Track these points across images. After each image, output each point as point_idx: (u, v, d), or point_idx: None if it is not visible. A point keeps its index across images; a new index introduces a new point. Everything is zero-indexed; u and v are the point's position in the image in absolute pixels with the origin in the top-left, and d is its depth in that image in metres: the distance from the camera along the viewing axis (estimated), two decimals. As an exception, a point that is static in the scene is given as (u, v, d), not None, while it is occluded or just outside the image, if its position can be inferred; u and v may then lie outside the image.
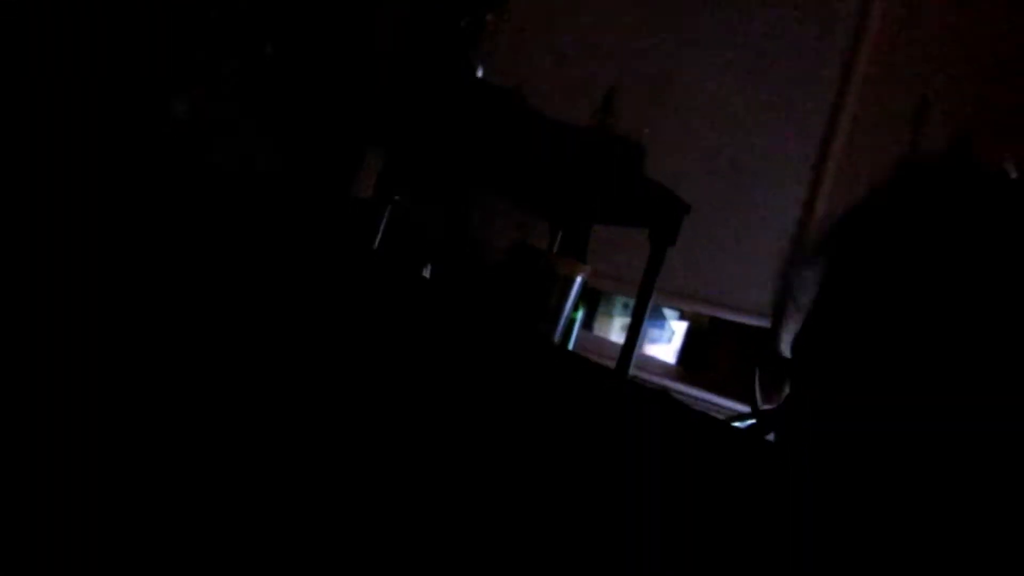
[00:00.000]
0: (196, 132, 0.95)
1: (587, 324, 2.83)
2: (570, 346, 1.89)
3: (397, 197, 1.51)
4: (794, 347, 0.75)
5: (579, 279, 1.69)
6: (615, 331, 3.04)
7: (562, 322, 1.69)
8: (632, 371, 1.83)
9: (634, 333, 1.75)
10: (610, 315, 3.09)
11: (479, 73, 1.58)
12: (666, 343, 2.99)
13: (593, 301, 2.97)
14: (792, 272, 0.81)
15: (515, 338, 0.62)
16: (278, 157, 1.27)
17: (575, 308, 1.78)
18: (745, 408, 2.28)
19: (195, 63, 0.97)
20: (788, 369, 0.81)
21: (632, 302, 2.78)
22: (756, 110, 2.50)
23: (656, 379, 2.58)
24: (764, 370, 1.38)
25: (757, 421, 1.37)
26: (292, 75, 1.25)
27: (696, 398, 2.39)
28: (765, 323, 2.43)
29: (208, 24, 0.98)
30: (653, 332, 2.94)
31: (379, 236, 1.53)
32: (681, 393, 2.46)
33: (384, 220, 1.54)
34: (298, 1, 1.18)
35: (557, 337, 1.70)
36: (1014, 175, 0.68)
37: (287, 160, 1.28)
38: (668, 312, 2.95)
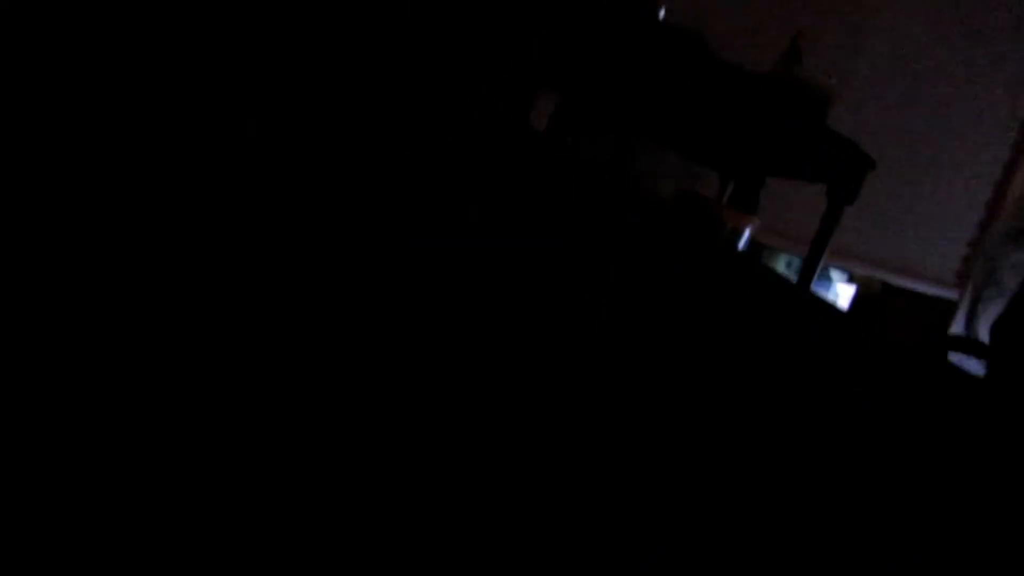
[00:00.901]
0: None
1: (748, 280, 2.74)
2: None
3: (569, 138, 1.51)
4: (995, 332, 0.71)
5: (748, 231, 1.63)
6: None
7: (726, 275, 1.65)
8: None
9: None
10: (772, 272, 2.97)
11: (661, 15, 1.54)
12: (831, 306, 2.85)
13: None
14: (997, 251, 0.75)
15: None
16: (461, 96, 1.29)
17: (740, 262, 1.73)
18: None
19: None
20: (984, 354, 0.76)
21: (796, 260, 2.68)
22: (960, 64, 2.30)
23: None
24: (955, 351, 1.30)
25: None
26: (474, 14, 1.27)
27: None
28: (945, 293, 2.27)
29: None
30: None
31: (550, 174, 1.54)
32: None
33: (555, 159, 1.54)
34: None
35: (719, 290, 1.66)
36: None
37: (465, 98, 1.30)
38: (835, 274, 2.81)
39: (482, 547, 0.62)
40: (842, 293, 2.85)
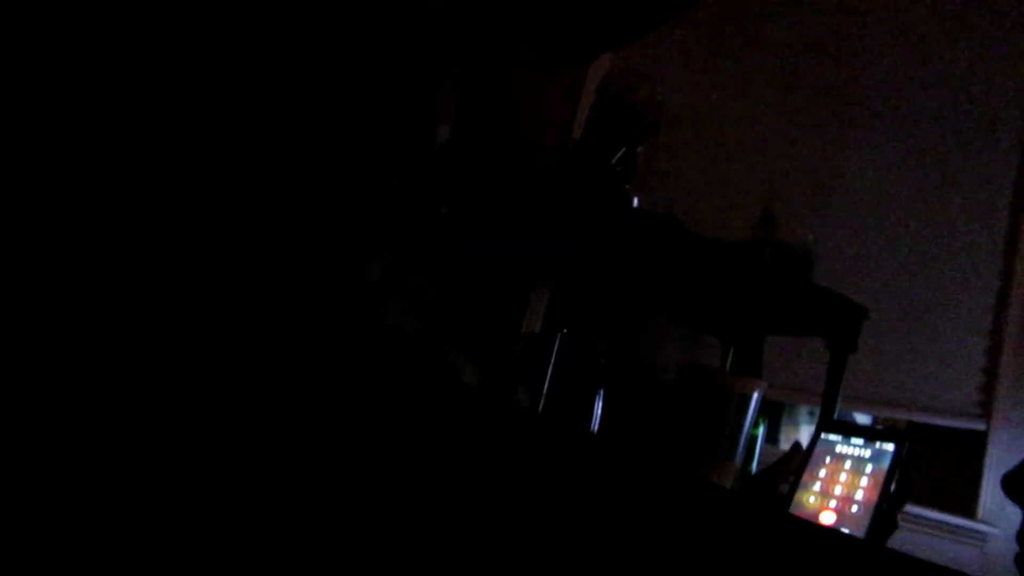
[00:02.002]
0: (383, 293, 1.02)
1: (771, 437, 2.71)
2: (754, 464, 1.83)
3: (565, 330, 1.56)
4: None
5: (756, 395, 1.65)
6: (803, 441, 2.89)
7: (743, 441, 1.65)
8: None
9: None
10: (796, 424, 2.96)
11: (635, 203, 1.64)
12: (861, 452, 2.79)
13: (775, 412, 2.85)
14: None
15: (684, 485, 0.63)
16: (450, 306, 1.36)
17: (755, 424, 1.73)
18: (958, 521, 2.08)
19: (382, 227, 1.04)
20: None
21: (817, 409, 2.66)
22: (931, 200, 2.40)
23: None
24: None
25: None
26: (462, 229, 1.35)
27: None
28: (970, 425, 2.24)
29: (388, 190, 1.07)
30: (846, 440, 2.76)
31: (550, 368, 1.58)
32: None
33: (554, 352, 1.59)
34: (467, 165, 1.28)
35: (739, 456, 1.65)
36: None
37: (458, 307, 1.37)
38: (860, 418, 2.78)
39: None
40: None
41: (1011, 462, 1.88)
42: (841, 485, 1.13)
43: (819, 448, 1.24)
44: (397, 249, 1.06)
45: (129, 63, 0.77)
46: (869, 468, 1.12)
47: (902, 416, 2.41)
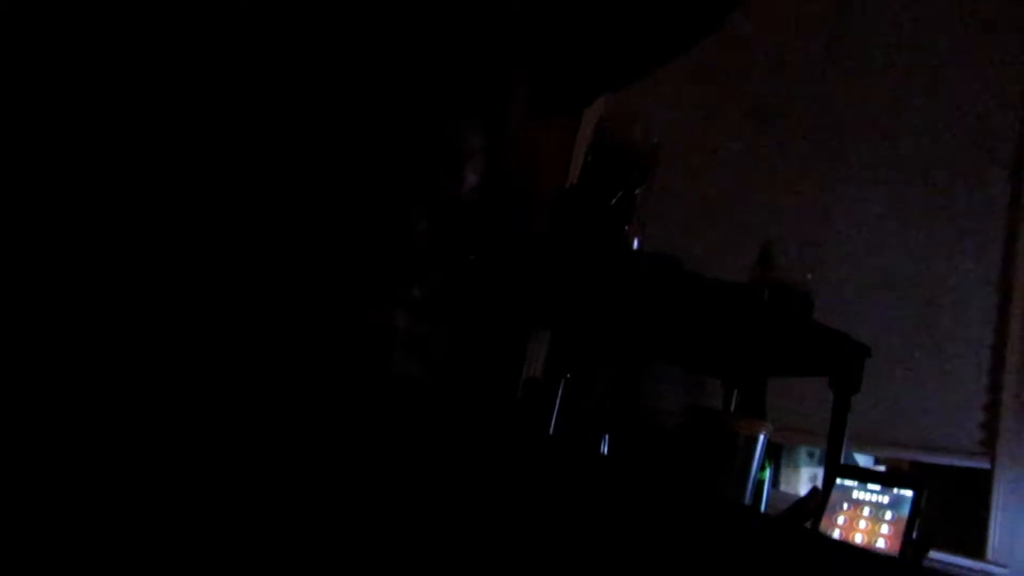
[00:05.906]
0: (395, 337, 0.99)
1: (772, 480, 2.68)
2: (762, 508, 1.80)
3: (568, 374, 1.54)
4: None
5: (762, 437, 1.63)
6: (804, 483, 2.86)
7: (750, 484, 1.62)
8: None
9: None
10: (795, 466, 2.92)
11: (635, 246, 1.63)
12: (863, 493, 2.75)
13: (775, 455, 2.82)
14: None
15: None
16: (451, 346, 1.33)
17: (762, 468, 1.70)
18: (967, 562, 2.05)
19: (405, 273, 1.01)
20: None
21: (817, 451, 2.63)
22: (925, 235, 2.40)
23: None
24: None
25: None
26: (476, 275, 1.33)
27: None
28: (973, 464, 2.21)
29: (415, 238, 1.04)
30: (847, 482, 2.73)
31: (555, 413, 1.56)
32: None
33: (558, 397, 1.57)
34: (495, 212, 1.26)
35: (747, 501, 1.62)
36: None
37: (459, 349, 1.33)
38: (861, 459, 2.75)
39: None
40: (872, 476, 2.76)
41: (1018, 500, 1.86)
42: (862, 533, 1.11)
43: (835, 494, 1.22)
44: (422, 294, 1.03)
45: (131, 81, 0.76)
46: (889, 515, 1.09)
47: (905, 456, 2.39)
